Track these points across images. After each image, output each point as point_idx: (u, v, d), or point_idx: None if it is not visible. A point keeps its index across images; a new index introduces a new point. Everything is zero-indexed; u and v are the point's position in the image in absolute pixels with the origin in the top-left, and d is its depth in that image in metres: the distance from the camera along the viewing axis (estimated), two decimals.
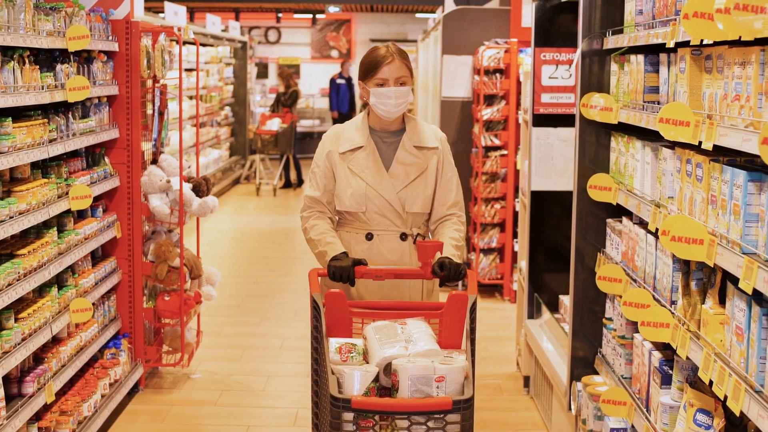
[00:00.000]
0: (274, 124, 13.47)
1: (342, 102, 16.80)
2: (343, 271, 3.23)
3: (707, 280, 2.74)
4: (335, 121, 16.94)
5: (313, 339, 3.01)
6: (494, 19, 7.91)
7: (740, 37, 2.21)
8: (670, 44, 2.82)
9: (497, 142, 7.41)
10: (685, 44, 2.73)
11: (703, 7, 2.32)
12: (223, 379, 5.47)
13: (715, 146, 2.49)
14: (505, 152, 7.39)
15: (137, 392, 5.14)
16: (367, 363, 2.91)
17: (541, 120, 5.10)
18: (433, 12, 15.00)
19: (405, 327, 3.00)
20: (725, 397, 2.37)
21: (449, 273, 3.21)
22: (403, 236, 3.48)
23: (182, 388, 5.27)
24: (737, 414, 2.31)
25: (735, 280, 2.39)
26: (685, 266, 2.85)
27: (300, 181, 14.06)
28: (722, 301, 2.62)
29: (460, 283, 3.87)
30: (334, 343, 2.94)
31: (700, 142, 2.55)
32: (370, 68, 3.45)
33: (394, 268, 3.36)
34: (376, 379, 2.81)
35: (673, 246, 2.57)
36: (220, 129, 13.77)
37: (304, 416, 4.82)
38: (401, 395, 2.75)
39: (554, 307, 4.99)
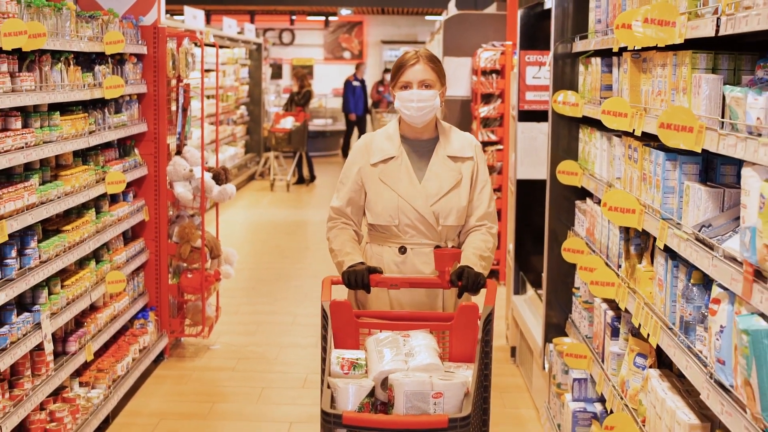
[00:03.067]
0: (288, 123, 13.97)
1: (357, 104, 17.19)
2: (357, 275, 3.11)
3: (643, 245, 3.29)
4: (350, 124, 17.39)
5: (322, 350, 2.91)
6: (492, 23, 8.45)
7: (656, 45, 2.76)
8: (616, 49, 3.36)
9: (494, 137, 7.95)
10: (626, 49, 3.27)
11: (628, 19, 2.88)
12: (239, 349, 6.04)
13: (652, 134, 3.03)
14: (500, 147, 7.93)
15: (162, 360, 5.72)
16: None
17: (526, 116, 5.65)
18: (440, 14, 15.52)
19: (408, 339, 2.87)
20: (648, 335, 2.92)
21: (467, 283, 3.06)
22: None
23: (203, 357, 5.85)
24: (654, 347, 2.86)
25: None
26: (627, 235, 3.40)
27: (312, 177, 14.58)
28: (654, 262, 3.16)
29: None
30: (336, 355, 2.82)
31: (634, 130, 3.10)
32: (395, 71, 3.35)
33: (410, 277, 3.23)
34: (372, 393, 2.69)
35: (611, 215, 3.12)
36: (236, 127, 14.30)
37: (312, 380, 5.39)
38: (396, 411, 2.61)
39: (538, 285, 5.52)
